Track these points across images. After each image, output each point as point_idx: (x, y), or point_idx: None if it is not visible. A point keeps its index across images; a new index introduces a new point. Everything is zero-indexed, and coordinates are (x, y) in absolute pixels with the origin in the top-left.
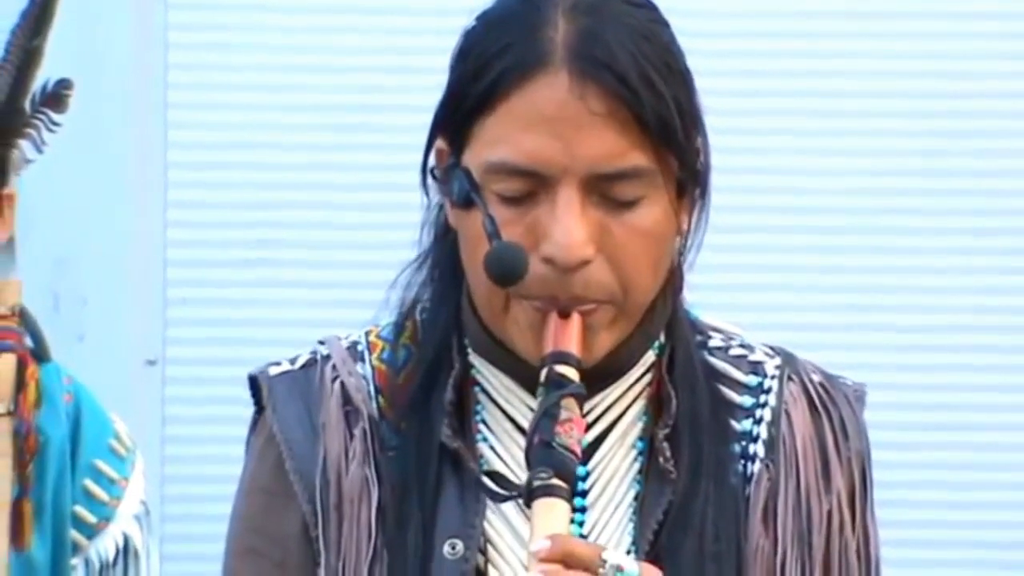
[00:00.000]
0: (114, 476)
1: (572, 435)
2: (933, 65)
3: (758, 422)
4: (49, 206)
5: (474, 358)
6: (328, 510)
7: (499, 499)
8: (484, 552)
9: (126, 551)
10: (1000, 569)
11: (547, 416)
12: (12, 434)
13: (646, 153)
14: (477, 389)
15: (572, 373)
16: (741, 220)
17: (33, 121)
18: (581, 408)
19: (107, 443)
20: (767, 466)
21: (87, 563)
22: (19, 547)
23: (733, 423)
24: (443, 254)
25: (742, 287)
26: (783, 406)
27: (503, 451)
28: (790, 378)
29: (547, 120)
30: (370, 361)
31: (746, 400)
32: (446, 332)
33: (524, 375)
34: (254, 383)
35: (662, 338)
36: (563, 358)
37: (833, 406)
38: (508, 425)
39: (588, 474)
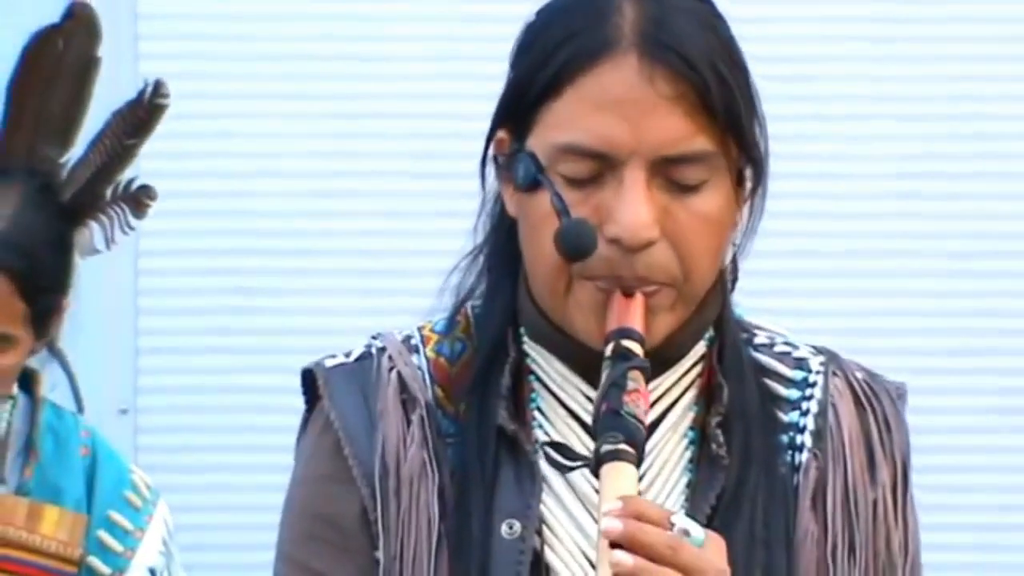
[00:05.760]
0: (128, 527)
1: (639, 405)
2: None
3: (805, 414)
4: None
5: (529, 347)
6: (387, 495)
7: (565, 469)
8: (540, 534)
9: None
10: None
11: (615, 386)
12: None
13: (711, 138)
14: (532, 378)
15: (637, 348)
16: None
17: (109, 211)
18: (646, 383)
19: (122, 495)
20: (815, 455)
21: None
22: None
23: (780, 415)
24: (499, 244)
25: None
26: (829, 399)
27: (557, 438)
28: (835, 374)
29: (616, 102)
30: (424, 353)
31: (792, 393)
32: (502, 321)
33: (581, 362)
34: (308, 376)
35: (711, 331)
36: (628, 334)
37: (877, 401)
38: (563, 412)
39: (641, 460)
